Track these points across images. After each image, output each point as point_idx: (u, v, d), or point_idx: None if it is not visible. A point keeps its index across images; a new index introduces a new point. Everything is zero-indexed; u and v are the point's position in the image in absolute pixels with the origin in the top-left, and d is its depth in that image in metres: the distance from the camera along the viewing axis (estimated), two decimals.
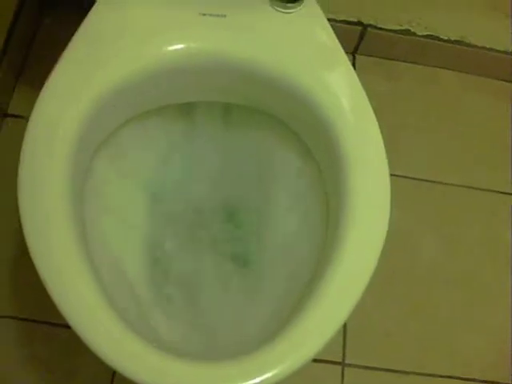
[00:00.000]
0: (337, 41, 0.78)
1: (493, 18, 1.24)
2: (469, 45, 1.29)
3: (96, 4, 0.77)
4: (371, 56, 1.33)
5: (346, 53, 1.28)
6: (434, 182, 1.24)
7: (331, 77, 0.76)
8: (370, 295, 1.08)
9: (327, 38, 0.78)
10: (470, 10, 1.22)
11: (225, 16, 0.76)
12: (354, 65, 1.32)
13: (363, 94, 0.75)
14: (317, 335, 0.61)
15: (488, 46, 1.29)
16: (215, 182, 0.91)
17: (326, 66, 0.77)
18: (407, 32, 1.27)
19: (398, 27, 1.27)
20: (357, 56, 1.33)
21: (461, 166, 1.26)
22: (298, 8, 0.78)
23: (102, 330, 0.60)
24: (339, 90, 0.76)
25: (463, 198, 1.23)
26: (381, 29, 1.27)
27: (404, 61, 1.33)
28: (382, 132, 1.21)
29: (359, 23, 1.26)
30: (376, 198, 0.69)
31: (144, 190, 0.87)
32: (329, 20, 1.21)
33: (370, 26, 1.27)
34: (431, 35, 1.28)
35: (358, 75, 1.28)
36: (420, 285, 1.14)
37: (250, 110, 0.82)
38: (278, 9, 0.78)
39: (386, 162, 0.71)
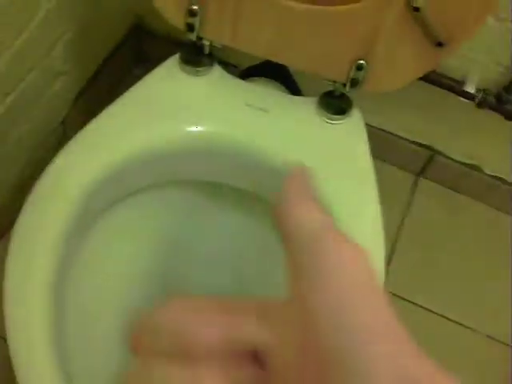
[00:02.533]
0: (370, 161, 0.77)
1: None
2: None
3: (155, 69, 0.80)
4: (435, 182, 1.30)
5: (411, 173, 1.29)
6: (458, 323, 1.19)
7: (356, 200, 0.75)
8: None
9: (362, 157, 0.78)
10: None
11: (267, 111, 0.77)
12: (415, 186, 1.30)
13: (380, 227, 0.73)
14: None
15: None
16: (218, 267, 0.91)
17: (354, 189, 0.76)
18: (475, 168, 1.25)
19: (467, 161, 1.25)
20: (421, 179, 1.31)
21: (499, 319, 1.20)
22: (342, 121, 0.79)
23: None
24: (361, 215, 0.75)
25: (479, 346, 1.17)
26: (449, 158, 1.25)
27: (467, 196, 1.30)
28: (419, 258, 1.19)
29: (429, 147, 1.25)
30: None
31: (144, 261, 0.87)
32: (399, 137, 1.23)
33: (439, 152, 1.25)
34: (499, 177, 1.25)
35: (417, 198, 1.28)
36: None
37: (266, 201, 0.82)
38: (322, 117, 0.78)
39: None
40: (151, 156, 0.74)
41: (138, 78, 1.32)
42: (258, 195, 0.81)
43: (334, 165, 0.76)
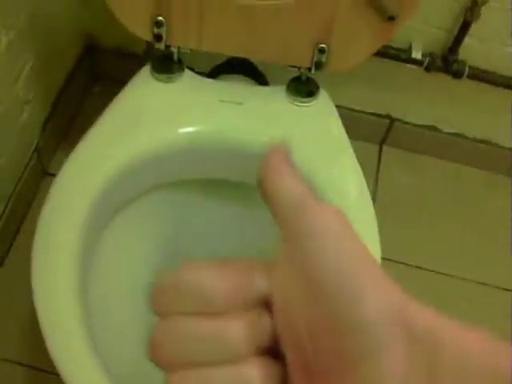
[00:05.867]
0: (346, 137, 0.83)
1: None
2: (495, 145, 1.33)
3: (129, 83, 0.84)
4: (397, 148, 1.37)
5: (374, 143, 1.36)
6: (447, 275, 1.26)
7: (338, 171, 0.81)
8: None
9: (337, 133, 0.84)
10: (497, 112, 1.26)
11: (242, 104, 0.83)
12: (380, 155, 1.37)
13: (366, 190, 0.80)
14: None
15: None
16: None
17: (333, 161, 0.82)
18: (433, 128, 1.32)
19: (425, 123, 1.32)
20: (384, 147, 1.38)
21: (476, 263, 1.28)
22: (312, 103, 0.84)
23: None
24: (344, 183, 0.80)
25: (473, 293, 1.24)
26: (408, 123, 1.32)
27: (429, 155, 1.37)
28: (399, 222, 1.25)
29: (387, 116, 1.32)
30: None
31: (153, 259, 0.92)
32: (358, 111, 1.30)
33: (397, 120, 1.32)
34: (457, 133, 1.32)
35: (384, 166, 1.35)
36: None
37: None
38: (293, 102, 0.84)
39: (379, 253, 0.75)
40: (145, 162, 0.79)
41: (99, 94, 1.38)
42: (249, 184, 0.86)
43: (314, 142, 0.82)
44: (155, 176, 0.84)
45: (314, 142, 0.82)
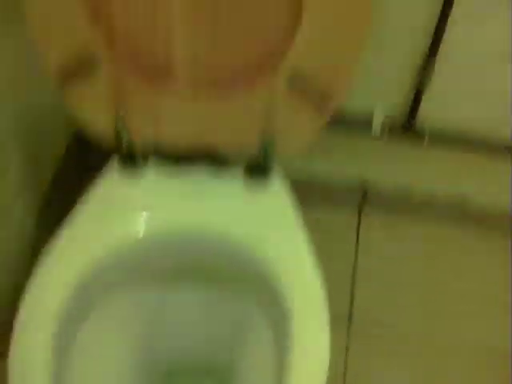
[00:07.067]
0: (300, 219, 0.87)
1: (493, 179, 1.32)
2: (469, 202, 1.37)
3: (96, 179, 0.92)
4: (375, 213, 1.41)
5: (352, 211, 1.39)
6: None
7: (291, 254, 0.85)
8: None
9: (291, 214, 0.88)
10: (465, 170, 1.31)
11: (202, 200, 0.90)
12: (359, 222, 1.41)
13: (317, 270, 0.83)
14: None
15: (488, 206, 1.36)
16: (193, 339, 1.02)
17: (287, 243, 0.86)
18: (406, 191, 1.37)
19: (398, 186, 1.37)
20: (362, 214, 1.42)
21: (455, 325, 1.30)
22: (267, 185, 0.90)
23: None
24: (295, 266, 0.84)
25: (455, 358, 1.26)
26: (381, 189, 1.38)
27: (406, 218, 1.41)
28: (381, 287, 1.27)
29: (361, 183, 1.37)
30: (315, 358, 0.76)
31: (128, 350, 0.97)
32: (331, 182, 1.34)
33: (371, 186, 1.38)
34: (431, 194, 1.37)
35: (362, 233, 1.37)
36: None
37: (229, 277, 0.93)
38: (250, 187, 0.90)
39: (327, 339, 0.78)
40: (108, 262, 0.86)
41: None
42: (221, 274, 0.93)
43: (270, 226, 0.88)
44: (117, 276, 0.90)
45: (270, 228, 0.88)
